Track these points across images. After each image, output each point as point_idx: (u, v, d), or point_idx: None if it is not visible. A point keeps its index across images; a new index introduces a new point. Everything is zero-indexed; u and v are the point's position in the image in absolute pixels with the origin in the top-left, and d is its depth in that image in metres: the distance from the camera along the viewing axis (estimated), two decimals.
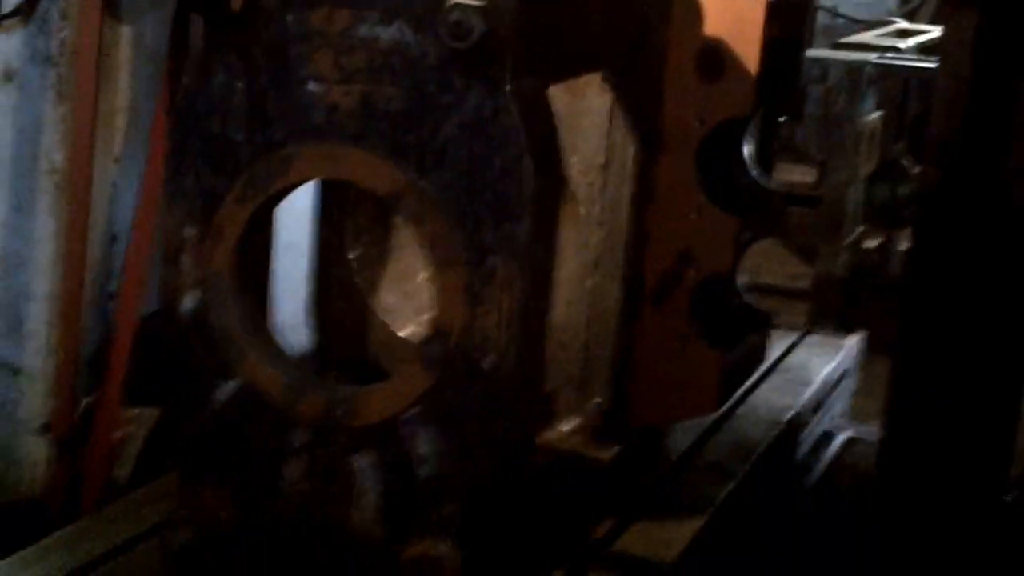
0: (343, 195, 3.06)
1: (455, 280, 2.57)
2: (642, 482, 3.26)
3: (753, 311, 3.25)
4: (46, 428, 4.14)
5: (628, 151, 2.91)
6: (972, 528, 3.21)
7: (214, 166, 2.63)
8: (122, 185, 4.17)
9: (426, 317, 2.96)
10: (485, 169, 2.52)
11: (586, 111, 2.86)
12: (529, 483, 2.81)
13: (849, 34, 9.01)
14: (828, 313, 5.85)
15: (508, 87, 2.48)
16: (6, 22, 3.89)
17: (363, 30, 2.52)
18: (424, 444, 2.64)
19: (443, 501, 2.65)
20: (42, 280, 4.09)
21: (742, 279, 3.17)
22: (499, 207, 2.53)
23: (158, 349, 2.83)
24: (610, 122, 2.89)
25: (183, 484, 2.78)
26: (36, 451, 4.15)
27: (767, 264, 8.68)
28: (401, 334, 3.16)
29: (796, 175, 8.73)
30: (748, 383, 3.78)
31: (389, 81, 2.52)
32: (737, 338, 3.20)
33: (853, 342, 4.52)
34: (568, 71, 2.74)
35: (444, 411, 2.63)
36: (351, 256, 3.10)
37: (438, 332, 2.61)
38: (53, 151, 4.01)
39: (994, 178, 3.06)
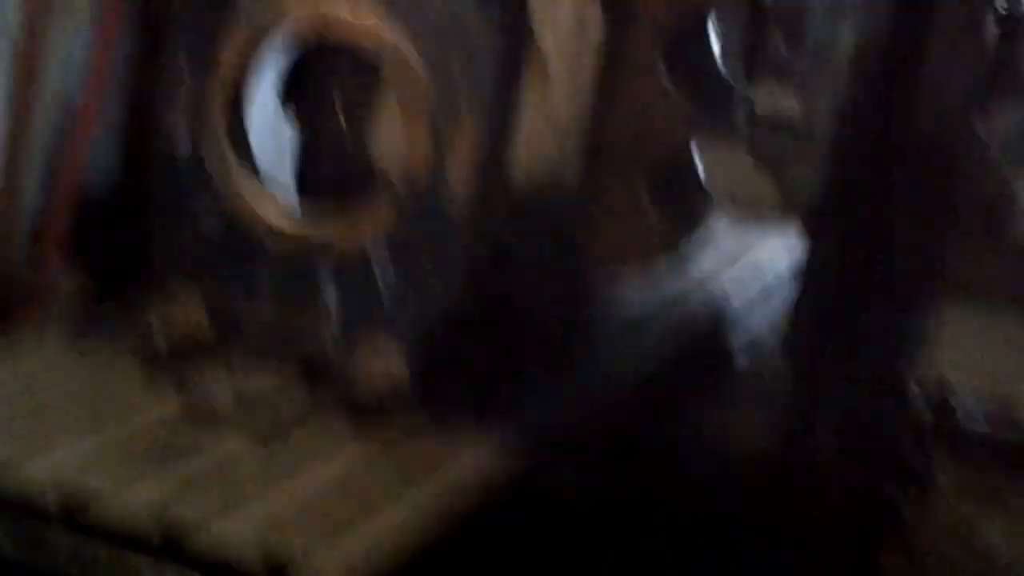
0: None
1: (424, 129, 2.81)
2: None
3: (700, 192, 3.48)
4: None
5: (598, 25, 3.12)
6: None
7: (213, 14, 2.87)
8: (80, 58, 4.03)
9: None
10: (457, 23, 2.75)
11: None
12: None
13: None
14: None
15: None
16: None
17: None
18: (387, 272, 2.90)
19: (399, 323, 2.91)
20: None
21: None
22: (468, 65, 2.76)
23: None
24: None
25: (166, 298, 3.04)
26: None
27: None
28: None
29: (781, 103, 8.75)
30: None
31: None
32: (688, 213, 3.44)
33: None
34: None
35: (407, 244, 2.89)
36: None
37: (407, 174, 2.85)
38: (10, 11, 3.93)
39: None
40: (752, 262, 4.32)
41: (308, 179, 3.18)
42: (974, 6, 3.19)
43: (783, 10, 4.45)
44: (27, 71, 3.97)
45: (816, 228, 3.48)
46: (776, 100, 4.87)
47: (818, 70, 6.21)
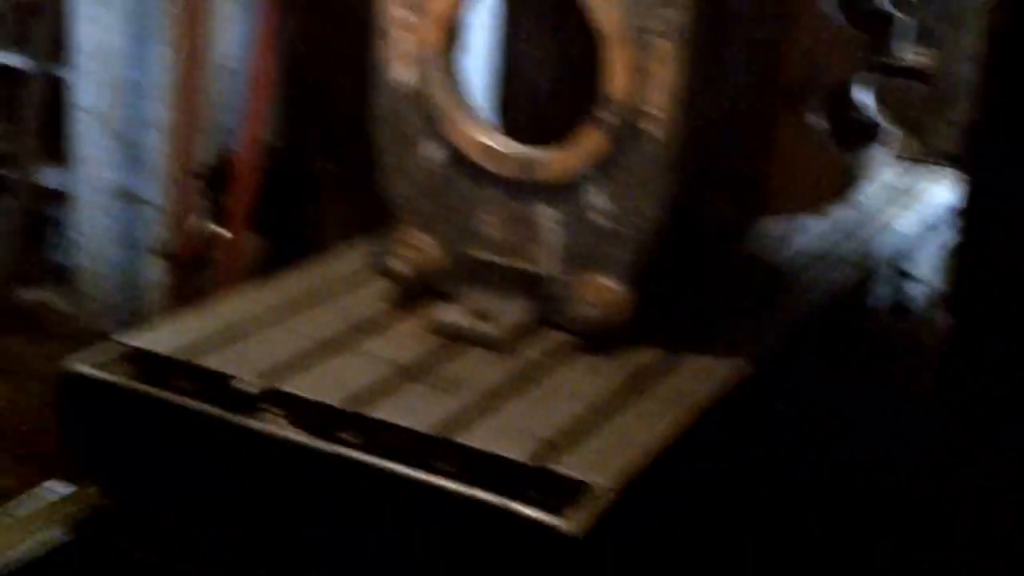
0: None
1: (624, 56, 3.01)
2: None
3: (871, 124, 3.67)
4: (166, 253, 4.48)
5: None
6: None
7: None
8: (238, 20, 4.41)
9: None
10: None
11: None
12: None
13: None
14: None
15: None
16: None
17: None
18: (598, 198, 3.10)
19: (613, 246, 3.11)
20: (159, 109, 4.37)
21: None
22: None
23: None
24: None
25: (398, 231, 3.26)
26: (156, 274, 4.51)
27: None
28: None
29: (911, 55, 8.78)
30: None
31: None
32: (858, 145, 3.63)
33: None
34: None
35: (615, 170, 3.08)
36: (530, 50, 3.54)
37: (610, 102, 3.05)
38: None
39: None
40: (915, 197, 4.47)
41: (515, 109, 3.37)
42: None
43: None
44: (191, 38, 4.24)
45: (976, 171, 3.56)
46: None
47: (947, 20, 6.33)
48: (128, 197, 4.47)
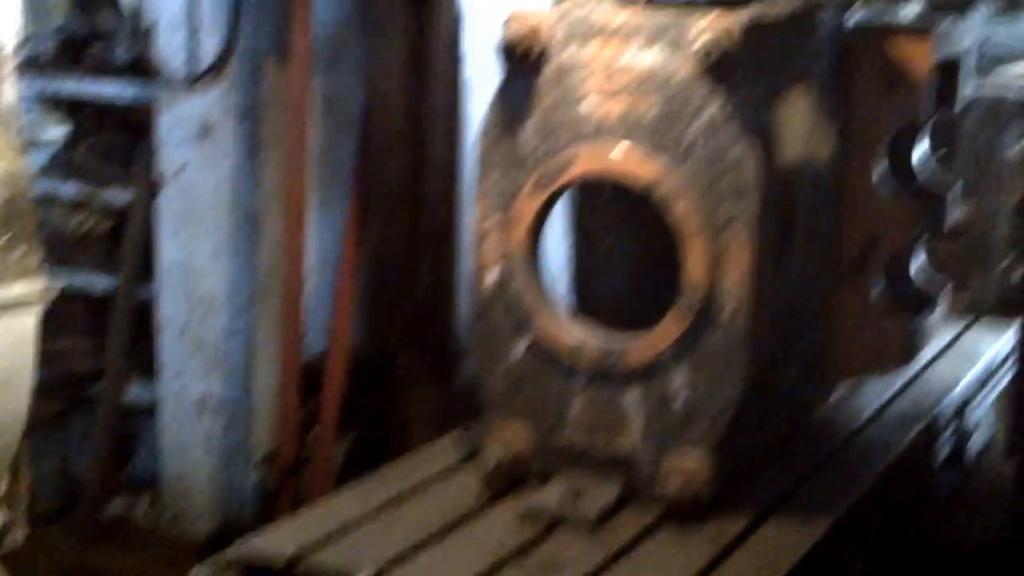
0: (596, 197, 3.69)
1: (701, 247, 3.19)
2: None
3: (927, 289, 3.84)
4: (268, 459, 4.59)
5: (827, 151, 3.53)
6: None
7: (512, 169, 3.30)
8: (324, 224, 4.64)
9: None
10: (722, 159, 3.15)
11: (793, 116, 3.48)
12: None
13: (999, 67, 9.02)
14: None
15: (741, 95, 3.13)
16: (201, 81, 4.37)
17: (627, 57, 3.18)
18: (679, 378, 3.26)
19: (695, 423, 3.26)
20: (241, 318, 4.54)
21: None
22: (734, 189, 3.16)
23: None
24: (812, 128, 3.51)
25: (490, 422, 3.42)
26: (248, 479, 4.62)
27: None
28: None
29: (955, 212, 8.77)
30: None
31: (647, 94, 3.18)
32: (917, 309, 3.80)
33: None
34: (781, 85, 3.38)
35: (695, 352, 3.25)
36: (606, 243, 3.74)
37: (688, 289, 3.22)
38: (249, 198, 4.47)
39: None
40: (966, 351, 4.62)
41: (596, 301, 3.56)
42: None
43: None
44: (289, 243, 4.44)
45: None
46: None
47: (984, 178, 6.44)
48: (215, 405, 4.58)
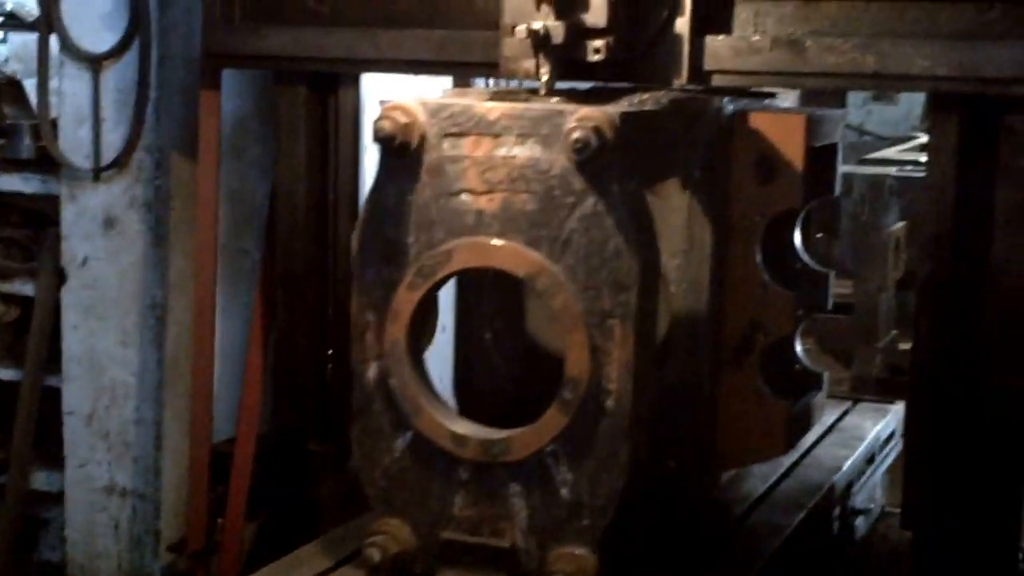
0: (479, 286, 3.64)
1: (582, 339, 3.14)
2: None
3: (811, 372, 3.81)
4: (177, 546, 4.54)
5: (705, 240, 3.49)
6: None
7: (390, 262, 3.23)
8: (230, 314, 4.59)
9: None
10: (600, 252, 3.11)
11: (671, 209, 3.45)
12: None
13: (875, 151, 9.15)
14: None
15: (616, 188, 3.08)
16: (105, 174, 4.35)
17: (503, 151, 3.14)
18: (563, 472, 3.19)
19: (580, 517, 3.19)
20: (148, 407, 4.47)
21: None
22: (612, 281, 3.11)
23: None
24: (690, 218, 3.47)
25: (373, 518, 3.34)
26: (154, 566, 4.55)
27: None
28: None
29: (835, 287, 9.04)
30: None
31: (524, 188, 3.13)
32: (800, 393, 3.76)
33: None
34: (657, 176, 3.34)
35: (578, 445, 3.19)
36: (487, 335, 3.69)
37: (570, 382, 3.16)
38: (155, 287, 4.43)
39: (981, 267, 3.31)
40: (849, 430, 4.61)
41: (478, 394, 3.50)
42: None
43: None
44: (200, 333, 4.41)
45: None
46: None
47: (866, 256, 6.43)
48: (121, 493, 4.52)
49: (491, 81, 4.84)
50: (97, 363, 4.52)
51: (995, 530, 3.41)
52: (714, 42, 3.45)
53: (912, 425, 3.55)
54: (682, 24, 3.42)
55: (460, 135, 3.17)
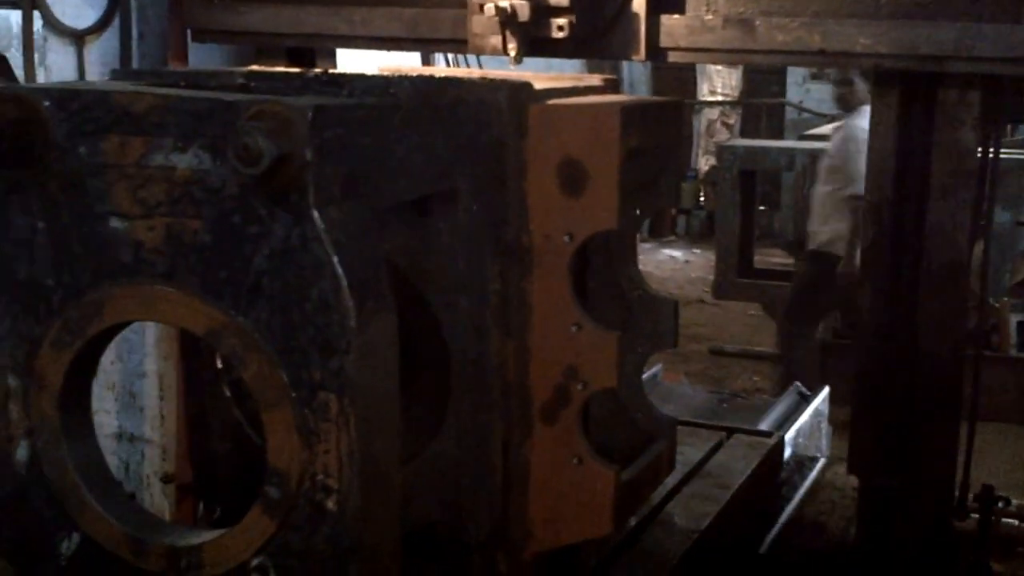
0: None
1: (286, 419, 1.89)
2: None
3: (653, 421, 2.52)
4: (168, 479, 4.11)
5: (486, 271, 2.20)
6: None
7: (27, 312, 1.96)
8: None
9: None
10: (303, 301, 1.85)
11: (442, 231, 2.16)
12: None
13: (814, 127, 8.79)
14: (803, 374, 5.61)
15: (315, 213, 1.80)
16: None
17: (158, 159, 1.85)
18: None
19: None
20: (152, 360, 3.94)
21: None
22: (323, 340, 1.85)
23: None
24: (470, 240, 2.18)
25: None
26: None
27: (757, 336, 8.05)
28: None
29: (776, 258, 8.25)
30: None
31: (192, 213, 1.85)
32: (634, 453, 2.47)
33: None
34: (404, 192, 2.05)
35: (292, 557, 1.94)
36: (225, 391, 2.41)
37: (275, 475, 1.92)
38: None
39: (919, 234, 3.02)
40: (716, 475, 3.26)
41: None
42: None
43: None
44: None
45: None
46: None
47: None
48: (128, 439, 4.07)
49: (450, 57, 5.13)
50: None
51: (931, 473, 3.09)
52: (669, 20, 3.12)
53: (862, 376, 3.16)
54: (639, 3, 3.09)
55: (99, 134, 1.88)
